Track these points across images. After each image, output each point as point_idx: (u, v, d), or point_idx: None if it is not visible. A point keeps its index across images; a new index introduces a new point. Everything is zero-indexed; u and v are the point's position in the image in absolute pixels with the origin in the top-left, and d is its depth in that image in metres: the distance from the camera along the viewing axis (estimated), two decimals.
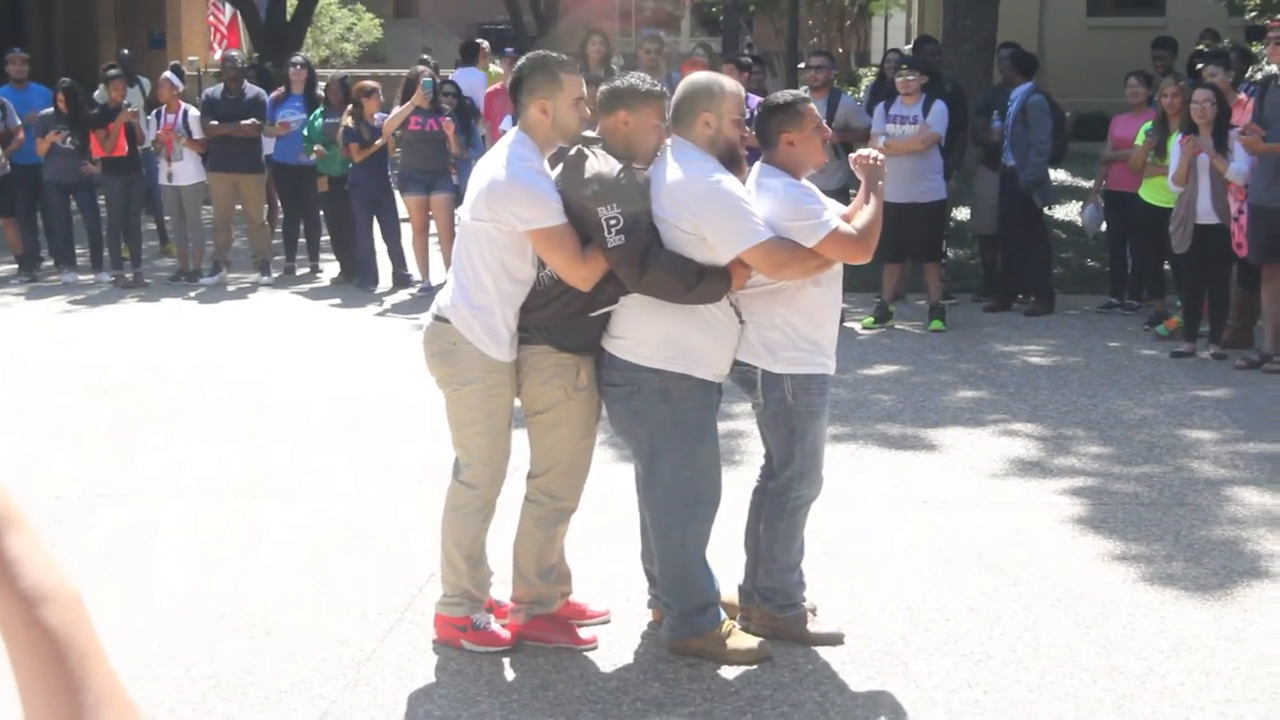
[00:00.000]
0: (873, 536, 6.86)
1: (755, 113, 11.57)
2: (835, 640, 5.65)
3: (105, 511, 7.34)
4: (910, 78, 11.75)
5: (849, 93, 17.12)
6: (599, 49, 12.76)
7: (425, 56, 17.07)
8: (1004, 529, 6.96)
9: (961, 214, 14.89)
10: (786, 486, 5.59)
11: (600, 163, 5.26)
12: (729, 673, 5.38)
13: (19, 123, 14.77)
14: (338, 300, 13.55)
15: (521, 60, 5.59)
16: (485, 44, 16.61)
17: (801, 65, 15.64)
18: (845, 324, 11.82)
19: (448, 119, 13.11)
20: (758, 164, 5.59)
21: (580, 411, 5.48)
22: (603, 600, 5.97)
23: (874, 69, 38.94)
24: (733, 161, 5.40)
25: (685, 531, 5.42)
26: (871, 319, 11.97)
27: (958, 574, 6.36)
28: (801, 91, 6.32)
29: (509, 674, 5.42)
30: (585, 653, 5.59)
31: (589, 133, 5.53)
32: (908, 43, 31.95)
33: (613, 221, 5.13)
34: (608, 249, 5.16)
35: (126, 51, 18.84)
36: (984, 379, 10.16)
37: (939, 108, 11.70)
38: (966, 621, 5.83)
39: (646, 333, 5.30)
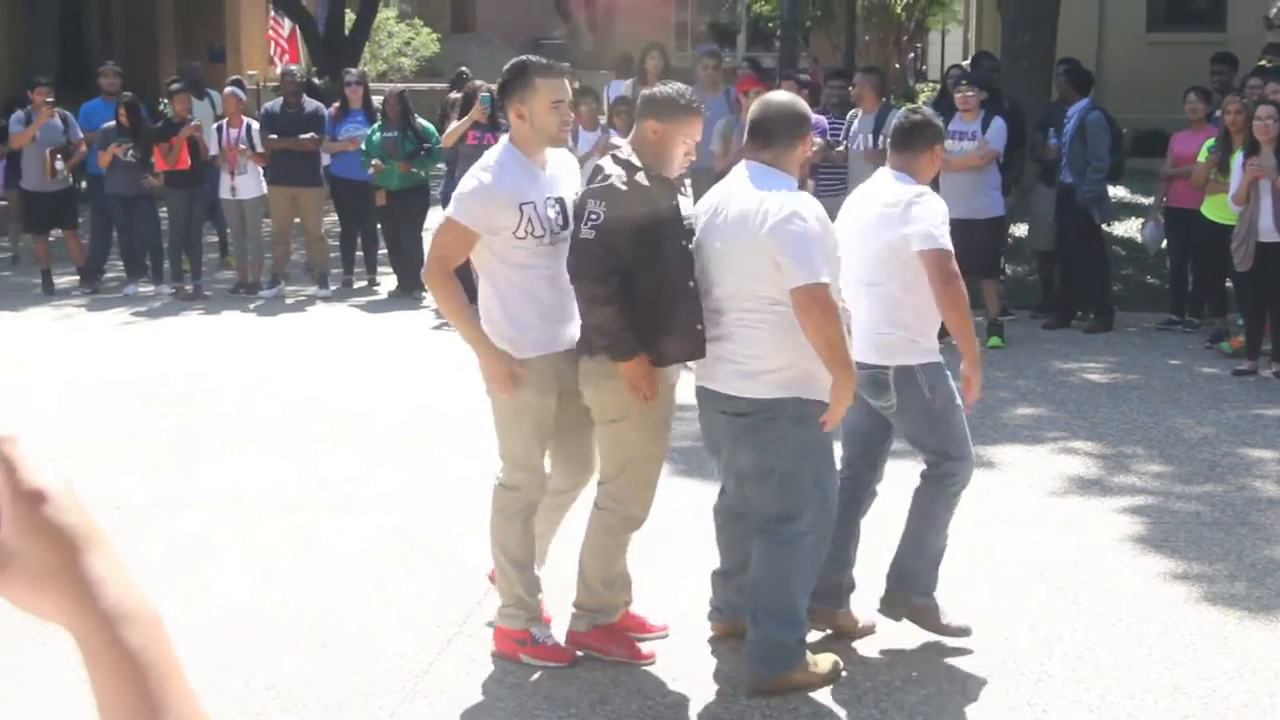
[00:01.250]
0: None
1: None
2: (965, 632, 5.76)
3: (166, 523, 7.40)
4: (969, 94, 11.70)
5: (901, 108, 17.02)
6: (657, 64, 12.80)
7: (464, 70, 17.13)
8: (1063, 547, 6.91)
9: (1020, 230, 14.80)
10: (949, 473, 5.75)
11: (615, 169, 5.32)
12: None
13: (80, 135, 14.93)
14: (394, 313, 13.60)
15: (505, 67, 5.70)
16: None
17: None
18: None
19: (505, 134, 13.14)
20: (897, 176, 5.75)
21: (653, 420, 5.47)
22: (660, 614, 5.97)
23: (931, 85, 38.86)
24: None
25: (816, 558, 5.39)
26: None
27: (1017, 592, 6.32)
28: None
29: (566, 688, 5.42)
30: (643, 667, 5.58)
31: (617, 140, 5.61)
32: (965, 58, 31.82)
33: (594, 216, 5.20)
34: (578, 236, 5.24)
35: (199, 64, 18.98)
36: (1043, 396, 10.10)
37: (998, 124, 11.65)
38: (1026, 640, 5.80)
39: (778, 367, 5.21)
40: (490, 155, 5.57)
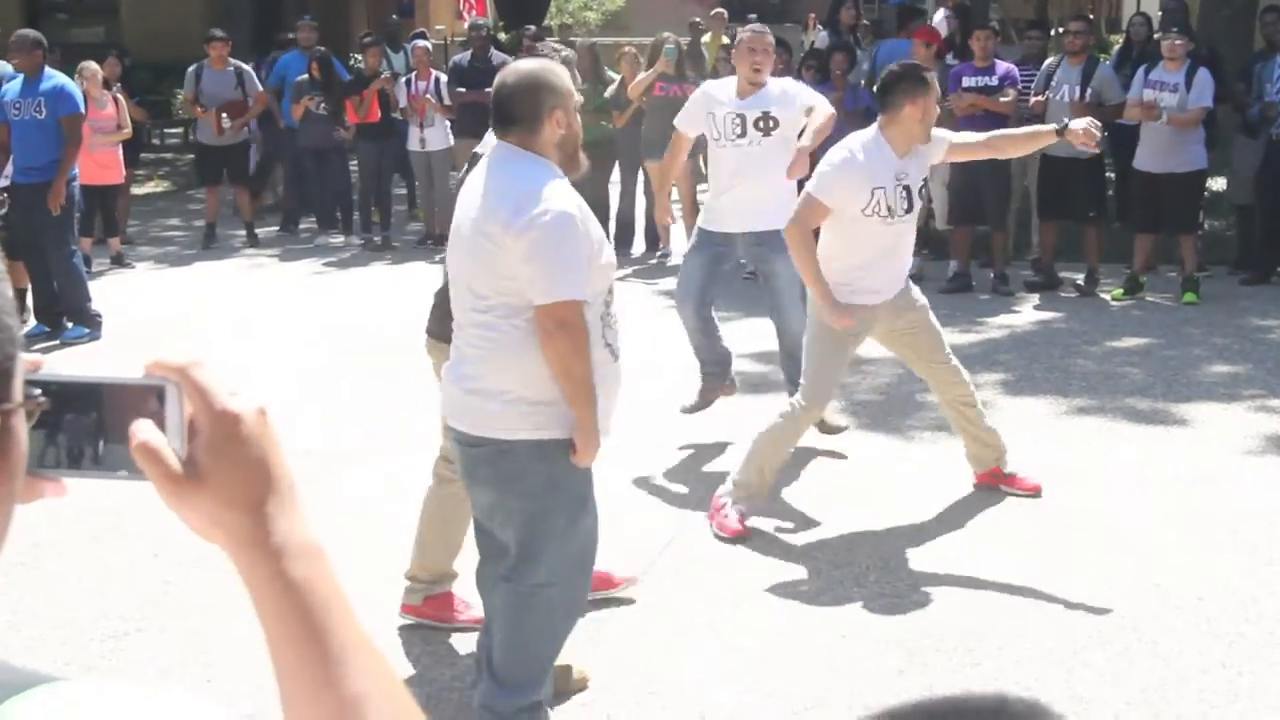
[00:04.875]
0: (1120, 511, 6.68)
1: (1002, 79, 11.33)
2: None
3: (356, 470, 7.52)
4: (1177, 42, 11.35)
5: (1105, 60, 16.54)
6: (850, 14, 12.85)
7: (697, 21, 17.15)
8: (1260, 507, 6.71)
9: (1217, 184, 14.34)
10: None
11: None
12: (977, 641, 5.30)
13: (260, 89, 15.21)
14: None
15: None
16: (724, 12, 16.61)
17: (1053, 31, 15.20)
18: (1096, 294, 11.53)
19: (691, 85, 13.09)
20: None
21: None
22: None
23: (1123, 35, 37.80)
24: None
25: (563, 618, 4.64)
26: (1122, 290, 11.61)
27: (1210, 552, 6.16)
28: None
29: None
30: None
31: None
32: (1161, 9, 30.86)
33: None
34: None
35: (396, 18, 19.28)
36: (1239, 354, 9.80)
37: (1203, 77, 11.21)
38: (1220, 601, 5.65)
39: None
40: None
